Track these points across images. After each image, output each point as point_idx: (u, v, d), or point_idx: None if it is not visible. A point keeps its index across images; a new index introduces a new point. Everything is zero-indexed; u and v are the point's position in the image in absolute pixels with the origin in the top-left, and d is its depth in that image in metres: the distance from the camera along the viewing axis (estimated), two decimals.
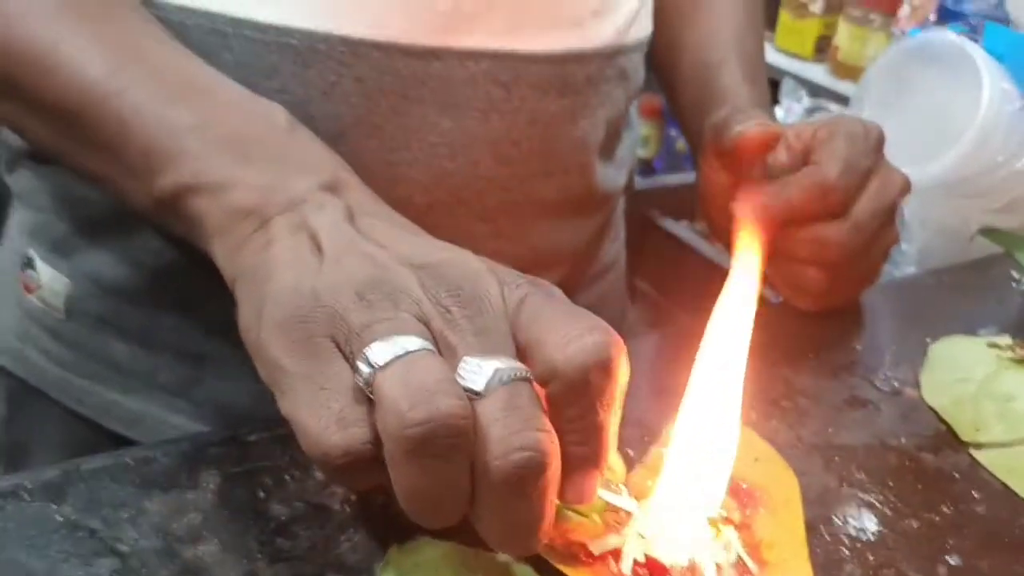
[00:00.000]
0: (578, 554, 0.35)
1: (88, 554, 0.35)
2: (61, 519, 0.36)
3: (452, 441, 0.29)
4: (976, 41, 0.69)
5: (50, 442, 0.57)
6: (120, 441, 0.54)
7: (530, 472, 0.29)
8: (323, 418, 0.30)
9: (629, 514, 0.35)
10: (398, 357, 0.30)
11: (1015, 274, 0.65)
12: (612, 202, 0.64)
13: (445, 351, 0.31)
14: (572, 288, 0.62)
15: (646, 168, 2.07)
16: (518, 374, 0.30)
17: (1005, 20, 1.39)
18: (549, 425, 0.30)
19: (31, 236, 0.55)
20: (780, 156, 0.52)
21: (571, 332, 0.31)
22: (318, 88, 0.47)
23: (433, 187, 0.50)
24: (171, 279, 0.51)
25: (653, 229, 1.17)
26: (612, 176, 0.61)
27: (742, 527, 0.37)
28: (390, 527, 0.37)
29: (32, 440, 0.59)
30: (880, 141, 0.53)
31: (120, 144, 0.40)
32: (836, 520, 0.40)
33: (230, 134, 0.40)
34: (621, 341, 0.31)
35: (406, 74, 0.48)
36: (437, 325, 0.32)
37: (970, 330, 0.56)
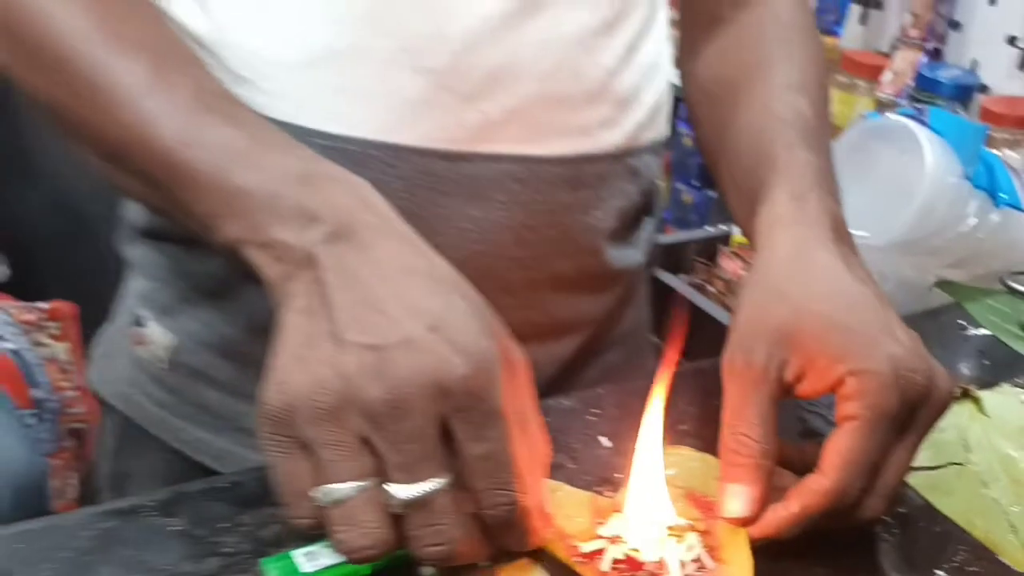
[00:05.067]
0: (574, 553, 0.43)
1: (198, 556, 0.43)
2: (174, 529, 0.45)
3: (374, 557, 0.40)
4: (923, 123, 0.77)
5: (149, 471, 0.65)
6: (207, 473, 0.61)
7: (445, 559, 0.40)
8: (290, 497, 0.41)
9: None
10: (341, 499, 0.39)
11: (962, 322, 0.71)
12: (628, 278, 0.68)
13: (382, 463, 0.39)
14: (596, 349, 0.68)
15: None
16: (432, 490, 0.39)
17: (979, 87, 1.46)
18: (457, 525, 0.40)
19: (144, 299, 0.63)
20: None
21: (481, 487, 0.40)
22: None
23: (464, 265, 0.57)
24: (258, 339, 0.57)
25: (655, 283, 1.23)
26: (627, 256, 0.66)
27: (705, 533, 0.45)
28: None
29: (135, 469, 0.67)
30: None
31: (190, 204, 0.46)
32: None
33: (272, 195, 0.44)
34: (521, 503, 0.41)
35: (442, 174, 0.56)
36: (378, 445, 0.39)
37: None
